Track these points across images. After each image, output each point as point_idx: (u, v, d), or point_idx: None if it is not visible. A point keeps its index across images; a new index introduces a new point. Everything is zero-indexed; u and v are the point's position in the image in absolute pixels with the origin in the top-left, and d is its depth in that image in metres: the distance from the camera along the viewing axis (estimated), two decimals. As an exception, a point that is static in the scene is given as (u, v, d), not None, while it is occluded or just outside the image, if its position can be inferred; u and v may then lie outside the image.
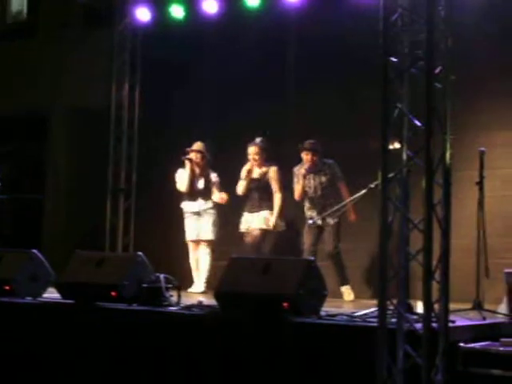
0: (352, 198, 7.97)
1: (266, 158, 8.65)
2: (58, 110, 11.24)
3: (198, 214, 8.88)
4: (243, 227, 8.64)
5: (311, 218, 8.16)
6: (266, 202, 8.58)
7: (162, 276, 6.56)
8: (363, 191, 7.96)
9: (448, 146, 4.96)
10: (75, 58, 10.82)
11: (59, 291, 6.85)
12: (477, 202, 6.58)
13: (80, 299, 6.58)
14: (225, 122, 9.45)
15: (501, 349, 5.08)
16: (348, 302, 7.87)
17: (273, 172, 8.60)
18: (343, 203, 8.02)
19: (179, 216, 8.99)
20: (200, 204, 8.89)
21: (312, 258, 6.06)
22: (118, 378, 6.17)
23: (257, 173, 8.66)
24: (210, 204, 8.85)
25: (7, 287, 6.96)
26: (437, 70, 4.95)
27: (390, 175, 5.08)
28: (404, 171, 5.17)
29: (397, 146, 5.20)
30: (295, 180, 8.46)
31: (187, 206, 8.96)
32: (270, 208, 8.55)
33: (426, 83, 4.89)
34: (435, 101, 4.92)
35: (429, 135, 4.86)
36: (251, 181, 8.63)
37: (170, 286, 6.62)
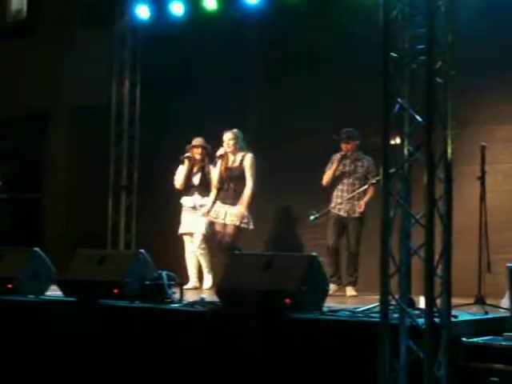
0: (353, 193, 7.99)
1: (241, 148, 8.43)
2: (58, 108, 11.24)
3: (193, 208, 8.83)
4: (213, 215, 8.42)
5: (312, 214, 8.01)
6: (241, 194, 8.33)
7: (164, 273, 6.56)
8: (364, 186, 7.99)
9: (449, 140, 4.95)
10: (75, 56, 10.81)
11: (61, 289, 6.85)
12: (478, 197, 6.58)
13: (82, 297, 6.58)
14: (225, 119, 9.44)
15: (503, 343, 5.09)
16: (350, 298, 7.87)
17: (249, 158, 8.37)
18: (347, 197, 8.06)
19: (180, 213, 8.99)
20: (196, 199, 8.84)
21: (314, 254, 6.04)
22: (121, 376, 6.17)
23: (231, 161, 8.44)
24: (206, 199, 8.74)
25: (10, 285, 6.96)
26: (437, 65, 4.94)
27: (392, 170, 5.08)
28: (405, 166, 5.16)
29: (397, 141, 5.20)
30: (328, 166, 8.33)
31: (185, 201, 8.93)
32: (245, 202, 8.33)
33: (427, 78, 4.88)
34: (436, 96, 4.91)
35: (430, 130, 4.86)
36: (226, 170, 8.40)
37: (172, 282, 6.62)
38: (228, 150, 8.40)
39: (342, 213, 8.21)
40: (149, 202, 10.20)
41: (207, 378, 5.78)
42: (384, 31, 5.06)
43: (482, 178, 6.64)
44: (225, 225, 8.30)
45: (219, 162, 8.42)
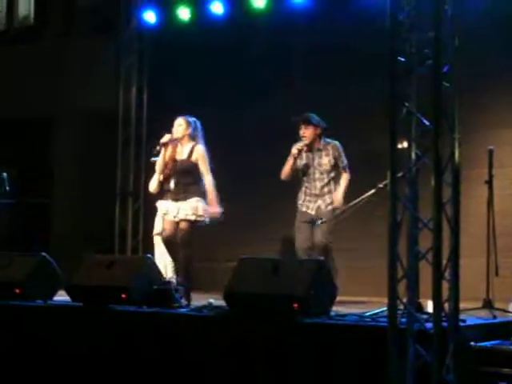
0: (361, 197, 7.96)
1: (195, 138, 7.57)
2: (65, 113, 11.26)
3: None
4: (160, 212, 7.60)
5: (319, 218, 7.62)
6: (193, 187, 7.44)
7: (171, 278, 6.57)
8: (372, 191, 7.96)
9: (456, 144, 4.95)
10: (82, 61, 10.85)
11: (69, 294, 6.86)
12: (486, 201, 6.57)
13: (90, 302, 6.59)
14: (232, 123, 9.46)
15: (511, 347, 5.08)
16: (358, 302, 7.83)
17: (200, 150, 7.47)
18: (354, 202, 7.85)
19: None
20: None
21: (322, 259, 6.04)
22: (129, 380, 6.17)
23: (181, 152, 7.54)
24: None
25: (17, 290, 6.97)
26: (445, 69, 4.94)
27: (399, 174, 5.08)
28: (413, 170, 5.16)
29: (405, 145, 5.20)
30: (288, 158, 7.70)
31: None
32: (199, 194, 7.42)
33: (434, 82, 4.88)
34: (443, 100, 4.91)
35: (437, 134, 4.86)
36: (173, 162, 7.51)
37: (179, 287, 6.63)
38: (175, 136, 7.51)
39: (309, 211, 7.66)
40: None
41: (214, 382, 5.78)
42: (391, 35, 5.06)
43: (489, 182, 6.62)
44: (176, 222, 7.38)
45: (162, 151, 7.53)
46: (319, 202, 7.67)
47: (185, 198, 7.37)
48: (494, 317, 5.91)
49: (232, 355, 5.70)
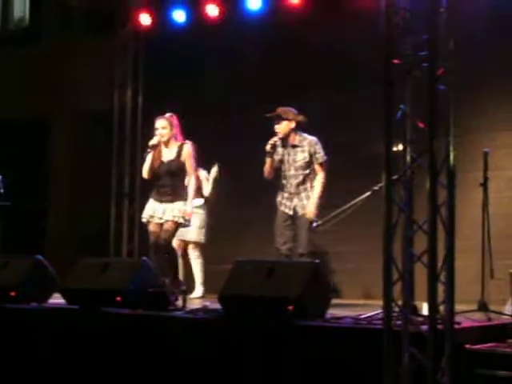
0: (356, 200, 7.94)
1: (176, 136, 7.49)
2: (60, 116, 11.26)
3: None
4: (146, 215, 7.38)
5: (315, 221, 7.53)
6: (180, 189, 7.37)
7: (166, 281, 6.56)
8: (367, 193, 7.95)
9: (452, 147, 4.95)
10: (78, 63, 10.84)
11: (64, 297, 6.85)
12: (481, 204, 6.57)
13: (85, 304, 6.58)
14: (227, 125, 9.45)
15: (507, 350, 5.07)
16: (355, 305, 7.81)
17: (187, 149, 7.41)
18: (350, 204, 7.84)
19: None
20: None
21: (317, 261, 6.03)
22: (124, 383, 6.16)
23: (166, 153, 7.44)
24: (195, 203, 8.23)
25: (12, 293, 6.96)
26: (439, 72, 4.95)
27: (394, 177, 5.08)
28: (408, 173, 5.17)
29: (400, 147, 5.20)
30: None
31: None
32: (186, 197, 7.38)
33: (429, 85, 4.89)
34: (438, 102, 4.92)
35: (432, 137, 4.86)
36: (160, 164, 7.38)
37: (175, 290, 6.62)
38: (163, 139, 7.40)
39: (287, 210, 7.47)
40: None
41: (210, 385, 5.79)
42: (386, 38, 5.07)
43: (484, 185, 6.62)
44: (161, 224, 7.29)
45: (150, 154, 7.41)
46: (295, 200, 7.48)
47: (172, 201, 7.29)
48: (489, 319, 5.91)
49: (227, 358, 5.69)
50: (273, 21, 9.34)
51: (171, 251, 7.47)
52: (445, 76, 4.98)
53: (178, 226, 7.28)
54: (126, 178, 10.67)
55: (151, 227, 7.36)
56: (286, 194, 7.51)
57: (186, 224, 7.37)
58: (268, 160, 7.50)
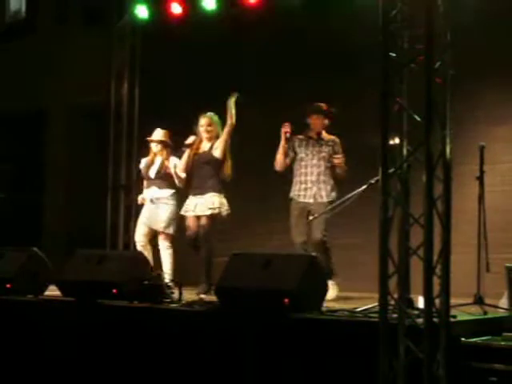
0: (353, 193, 7.94)
1: (217, 135, 7.95)
2: (57, 108, 11.26)
3: (151, 202, 8.40)
4: (183, 209, 7.90)
5: (312, 214, 7.58)
6: (214, 181, 7.82)
7: (162, 273, 6.57)
8: (364, 187, 7.95)
9: (448, 140, 4.95)
10: (74, 55, 10.84)
11: (60, 289, 6.85)
12: (477, 197, 6.57)
13: (81, 297, 6.58)
14: (225, 118, 9.43)
15: (502, 343, 5.09)
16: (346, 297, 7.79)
17: (219, 142, 7.88)
18: (346, 197, 7.86)
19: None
20: (153, 192, 8.43)
21: (314, 254, 6.03)
22: (120, 375, 6.17)
23: (206, 147, 7.93)
24: (164, 192, 8.39)
25: (8, 285, 6.97)
26: (436, 65, 4.94)
27: (391, 170, 5.08)
28: (404, 166, 5.17)
29: (396, 141, 5.20)
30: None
31: (144, 193, 8.58)
32: (218, 190, 7.82)
33: (426, 78, 4.88)
34: (435, 96, 4.92)
35: (429, 130, 4.86)
36: (194, 156, 7.87)
37: (170, 283, 6.62)
38: (205, 136, 7.90)
39: (306, 199, 7.64)
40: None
41: (206, 377, 5.78)
42: (383, 31, 5.06)
43: (480, 178, 6.62)
44: (197, 217, 7.79)
45: (186, 152, 7.92)
46: (314, 189, 7.66)
47: (202, 193, 7.75)
48: (485, 313, 5.92)
49: (223, 350, 5.70)
50: (269, 13, 9.31)
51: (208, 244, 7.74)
52: (441, 69, 4.97)
53: (213, 217, 7.71)
54: (122, 169, 10.66)
55: (187, 221, 7.87)
56: (303, 185, 7.68)
57: (219, 212, 7.74)
58: (281, 147, 7.71)
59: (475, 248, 6.48)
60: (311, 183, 7.67)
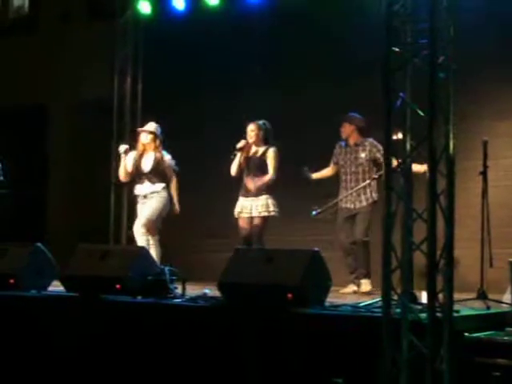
0: (356, 188, 7.95)
1: (265, 141, 8.12)
2: (60, 103, 11.25)
3: (144, 197, 8.35)
4: (236, 211, 8.09)
5: (314, 209, 7.84)
6: (266, 184, 8.00)
7: (166, 268, 6.56)
8: (366, 181, 7.96)
9: (451, 135, 4.95)
10: (77, 50, 10.83)
11: (63, 284, 6.85)
12: (480, 192, 6.57)
13: (84, 292, 6.58)
14: (228, 113, 9.44)
15: (505, 338, 5.08)
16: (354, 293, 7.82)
17: (272, 152, 8.01)
18: (348, 193, 7.98)
19: (182, 208, 8.94)
20: (146, 187, 8.35)
21: (316, 249, 6.02)
22: (123, 371, 6.17)
23: (253, 151, 8.12)
24: (157, 186, 8.32)
25: (12, 280, 6.96)
26: (440, 60, 4.94)
27: (394, 165, 5.08)
28: (407, 161, 5.16)
29: (400, 136, 5.20)
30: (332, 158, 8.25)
31: (136, 191, 8.49)
32: (269, 192, 8.01)
33: (429, 73, 4.87)
34: (438, 90, 4.91)
35: (432, 125, 4.86)
36: (246, 159, 8.09)
37: (174, 278, 6.62)
38: (250, 140, 8.08)
39: (349, 205, 8.02)
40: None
41: (209, 373, 5.79)
42: (387, 25, 5.05)
43: (483, 173, 6.62)
44: (251, 218, 8.02)
45: (238, 155, 8.07)
46: (354, 195, 8.00)
47: (256, 195, 7.98)
48: (488, 307, 5.92)
49: (226, 345, 5.70)
50: (273, 9, 9.31)
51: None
52: (445, 64, 4.96)
53: (266, 218, 7.95)
54: (125, 164, 10.64)
55: (240, 223, 8.08)
56: (347, 191, 8.02)
57: (272, 214, 7.96)
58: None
59: (478, 243, 6.48)
60: (351, 189, 8.00)
